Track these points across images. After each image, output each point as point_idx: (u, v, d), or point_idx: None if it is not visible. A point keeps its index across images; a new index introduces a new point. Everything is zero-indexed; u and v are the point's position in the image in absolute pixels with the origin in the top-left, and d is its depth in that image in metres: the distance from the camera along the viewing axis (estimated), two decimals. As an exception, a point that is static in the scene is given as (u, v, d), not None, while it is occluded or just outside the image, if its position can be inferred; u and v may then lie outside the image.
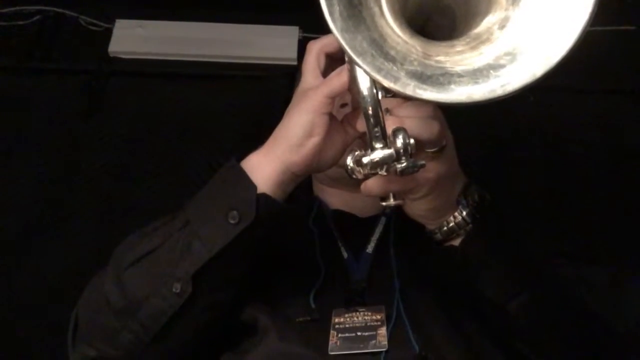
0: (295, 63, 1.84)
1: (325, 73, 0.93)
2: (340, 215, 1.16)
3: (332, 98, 0.88)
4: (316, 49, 0.94)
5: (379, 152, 0.80)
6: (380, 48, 0.68)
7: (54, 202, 1.70)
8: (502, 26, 0.72)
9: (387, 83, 0.66)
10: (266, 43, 1.91)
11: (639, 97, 1.89)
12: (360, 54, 0.67)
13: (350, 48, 0.67)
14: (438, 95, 0.67)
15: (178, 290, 0.91)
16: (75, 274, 1.43)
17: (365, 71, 0.67)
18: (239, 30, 1.93)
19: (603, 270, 1.02)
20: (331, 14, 0.67)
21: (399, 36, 0.71)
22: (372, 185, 0.86)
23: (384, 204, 0.89)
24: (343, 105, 1.01)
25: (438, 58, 0.70)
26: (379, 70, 0.67)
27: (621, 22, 1.89)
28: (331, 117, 0.90)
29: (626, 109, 1.87)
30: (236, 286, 0.97)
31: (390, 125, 0.80)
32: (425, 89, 0.67)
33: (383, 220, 1.12)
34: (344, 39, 0.67)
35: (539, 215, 1.64)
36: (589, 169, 1.78)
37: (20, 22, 1.89)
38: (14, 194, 1.71)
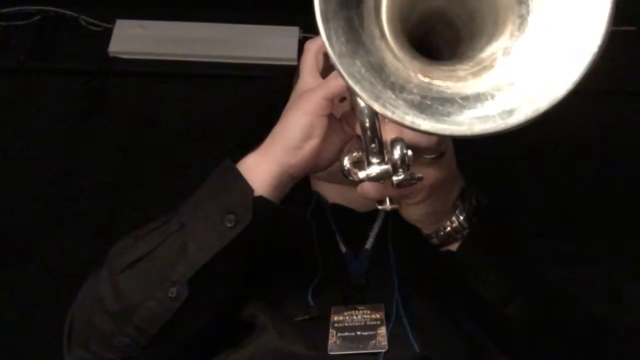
0: (295, 63, 1.82)
1: (323, 73, 0.93)
2: (339, 210, 1.15)
3: (331, 100, 0.88)
4: (314, 48, 0.94)
5: (376, 168, 0.80)
6: (379, 74, 0.65)
7: (53, 201, 1.70)
8: (506, 53, 0.69)
9: (385, 113, 0.64)
10: (266, 43, 1.91)
11: (638, 97, 1.89)
12: (358, 81, 0.64)
13: (348, 74, 0.63)
14: (437, 126, 0.64)
15: (174, 295, 0.91)
16: (75, 274, 1.43)
17: (363, 99, 0.64)
18: (239, 30, 1.93)
19: (602, 270, 1.01)
20: (328, 36, 0.64)
21: (399, 60, 0.69)
22: (368, 189, 0.86)
23: (380, 207, 0.89)
24: (342, 100, 1.01)
25: (439, 83, 0.68)
26: (378, 98, 0.64)
27: (621, 22, 1.89)
28: (329, 117, 0.90)
29: (626, 109, 1.87)
30: (233, 287, 0.98)
31: (388, 132, 0.80)
32: (424, 119, 0.64)
33: (382, 215, 1.12)
34: (342, 64, 0.63)
35: (537, 217, 1.63)
36: (588, 169, 1.78)
37: (20, 22, 1.89)
38: (13, 193, 1.71)
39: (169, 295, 0.91)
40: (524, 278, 0.96)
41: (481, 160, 1.64)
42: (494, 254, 0.95)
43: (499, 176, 1.73)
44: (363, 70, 0.65)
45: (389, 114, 0.64)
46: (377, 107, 0.64)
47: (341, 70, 0.63)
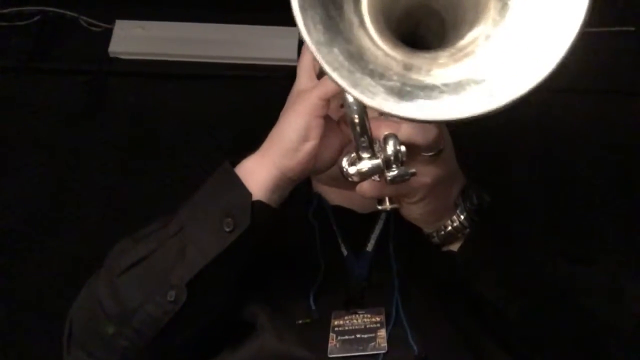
0: (295, 64, 1.83)
1: (320, 74, 0.92)
2: (340, 211, 1.14)
3: (327, 100, 0.87)
4: None
5: (366, 163, 0.80)
6: (358, 62, 0.65)
7: (53, 202, 1.70)
8: (487, 38, 0.69)
9: (364, 99, 0.63)
10: (266, 43, 1.91)
11: (638, 97, 1.89)
12: (336, 69, 0.63)
13: (326, 62, 0.63)
14: (417, 113, 0.64)
15: (172, 298, 0.90)
16: (75, 273, 1.43)
17: (341, 87, 0.64)
18: (239, 31, 1.93)
19: (603, 270, 1.01)
20: (306, 25, 0.63)
21: (379, 48, 0.69)
22: (366, 188, 0.85)
23: (380, 207, 0.89)
24: (342, 106, 1.00)
25: (420, 71, 0.68)
26: (356, 85, 0.63)
27: (621, 23, 1.89)
28: (326, 119, 0.89)
29: (626, 109, 1.87)
30: (232, 290, 0.97)
31: (384, 129, 0.79)
32: (404, 105, 0.64)
33: (383, 217, 1.11)
34: (320, 52, 0.63)
35: (537, 216, 1.64)
36: (588, 170, 1.78)
37: (20, 22, 1.90)
38: (14, 194, 1.71)
39: (168, 298, 0.90)
40: (525, 278, 0.96)
41: (480, 161, 1.65)
42: (495, 253, 0.95)
43: (499, 177, 1.73)
44: (341, 58, 0.64)
45: (368, 100, 0.63)
46: (356, 94, 0.63)
47: (319, 57, 0.63)
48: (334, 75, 0.63)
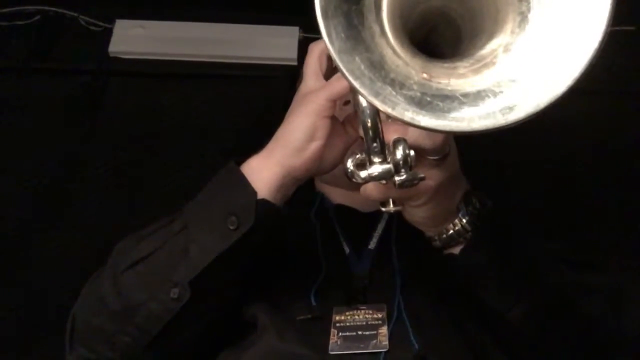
0: (295, 63, 1.84)
1: (326, 75, 0.92)
2: (342, 210, 1.15)
3: (334, 101, 0.88)
4: (318, 50, 0.94)
5: (377, 167, 0.80)
6: (379, 71, 0.65)
7: (54, 202, 1.70)
8: (507, 50, 0.69)
9: (385, 109, 0.64)
10: (266, 43, 1.91)
11: (638, 97, 1.89)
12: (357, 77, 0.64)
13: (348, 71, 0.64)
14: (437, 122, 0.64)
15: (176, 296, 0.91)
16: (74, 273, 1.43)
17: (362, 95, 0.64)
18: (239, 30, 1.93)
19: (607, 277, 1.01)
20: (328, 33, 0.64)
21: (399, 57, 0.69)
22: (371, 190, 0.86)
23: (383, 209, 0.89)
24: (346, 103, 1.00)
25: (439, 80, 0.68)
26: (377, 94, 0.64)
27: (621, 22, 1.89)
28: (332, 119, 0.89)
29: (626, 109, 1.86)
30: (235, 288, 0.98)
31: (392, 133, 0.79)
32: (423, 115, 0.64)
33: (386, 215, 1.11)
34: (342, 61, 0.64)
35: (539, 221, 1.63)
36: (589, 171, 1.78)
37: (20, 22, 1.89)
38: (14, 193, 1.71)
39: (171, 296, 0.91)
40: (527, 283, 0.96)
41: (480, 164, 1.64)
42: (497, 258, 0.95)
43: (499, 181, 1.72)
44: (363, 67, 0.65)
45: (388, 109, 0.64)
46: (377, 103, 0.64)
47: (341, 66, 0.64)
48: (356, 84, 0.64)
